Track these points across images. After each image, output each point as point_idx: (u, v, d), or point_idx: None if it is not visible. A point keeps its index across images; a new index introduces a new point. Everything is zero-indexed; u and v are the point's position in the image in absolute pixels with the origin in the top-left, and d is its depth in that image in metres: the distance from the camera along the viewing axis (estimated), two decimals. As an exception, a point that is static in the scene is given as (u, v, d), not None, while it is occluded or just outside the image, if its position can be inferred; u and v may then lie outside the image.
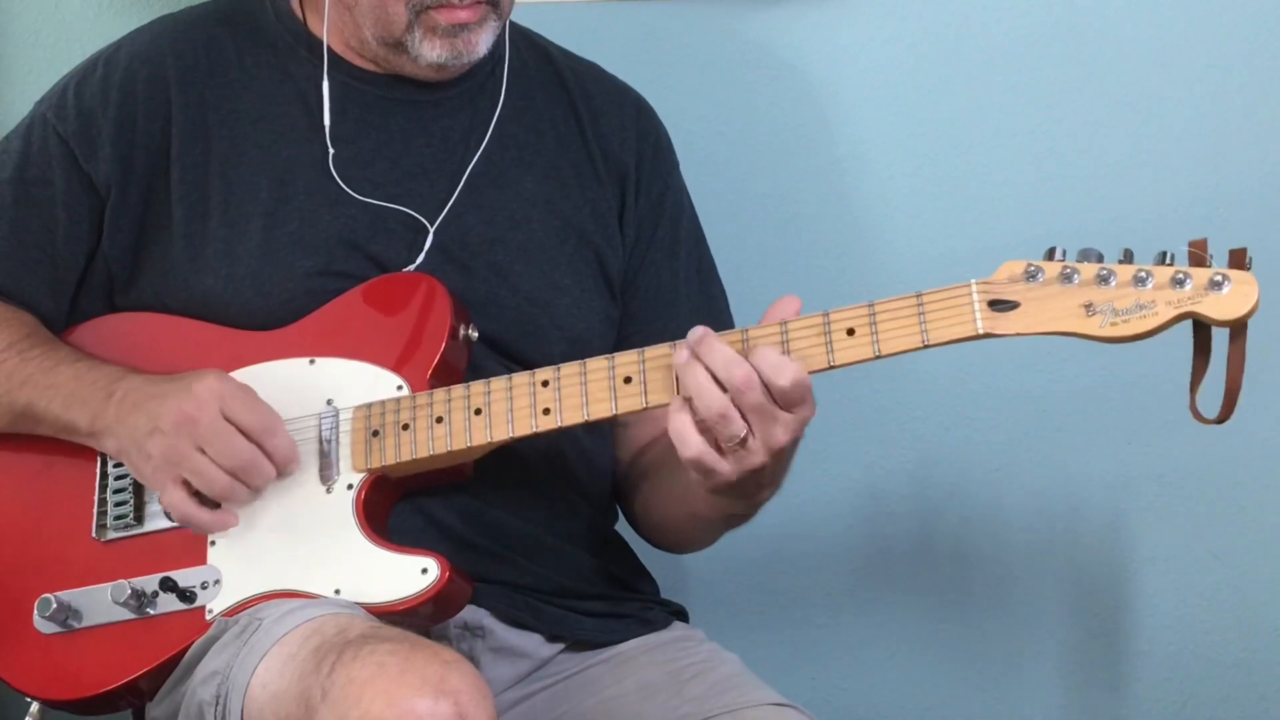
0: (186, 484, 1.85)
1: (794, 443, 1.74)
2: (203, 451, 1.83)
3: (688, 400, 1.72)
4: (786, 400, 1.71)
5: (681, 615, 2.09)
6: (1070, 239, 2.38)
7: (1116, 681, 2.47)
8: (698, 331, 1.73)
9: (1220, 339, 1.67)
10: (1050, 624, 2.47)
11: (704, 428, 1.72)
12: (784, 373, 1.70)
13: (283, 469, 1.86)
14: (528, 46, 2.10)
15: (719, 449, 1.72)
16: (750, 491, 1.78)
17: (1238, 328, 1.65)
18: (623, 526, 2.12)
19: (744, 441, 1.71)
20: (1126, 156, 2.38)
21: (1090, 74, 2.37)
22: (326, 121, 1.98)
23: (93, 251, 2.00)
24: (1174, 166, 2.38)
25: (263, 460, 1.84)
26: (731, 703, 1.89)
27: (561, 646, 1.98)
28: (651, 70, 2.22)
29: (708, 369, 1.71)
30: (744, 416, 1.71)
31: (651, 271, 2.08)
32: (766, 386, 1.70)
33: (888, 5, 2.39)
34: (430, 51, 1.94)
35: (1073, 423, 2.42)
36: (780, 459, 1.75)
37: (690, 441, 1.72)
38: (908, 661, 2.50)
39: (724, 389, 1.70)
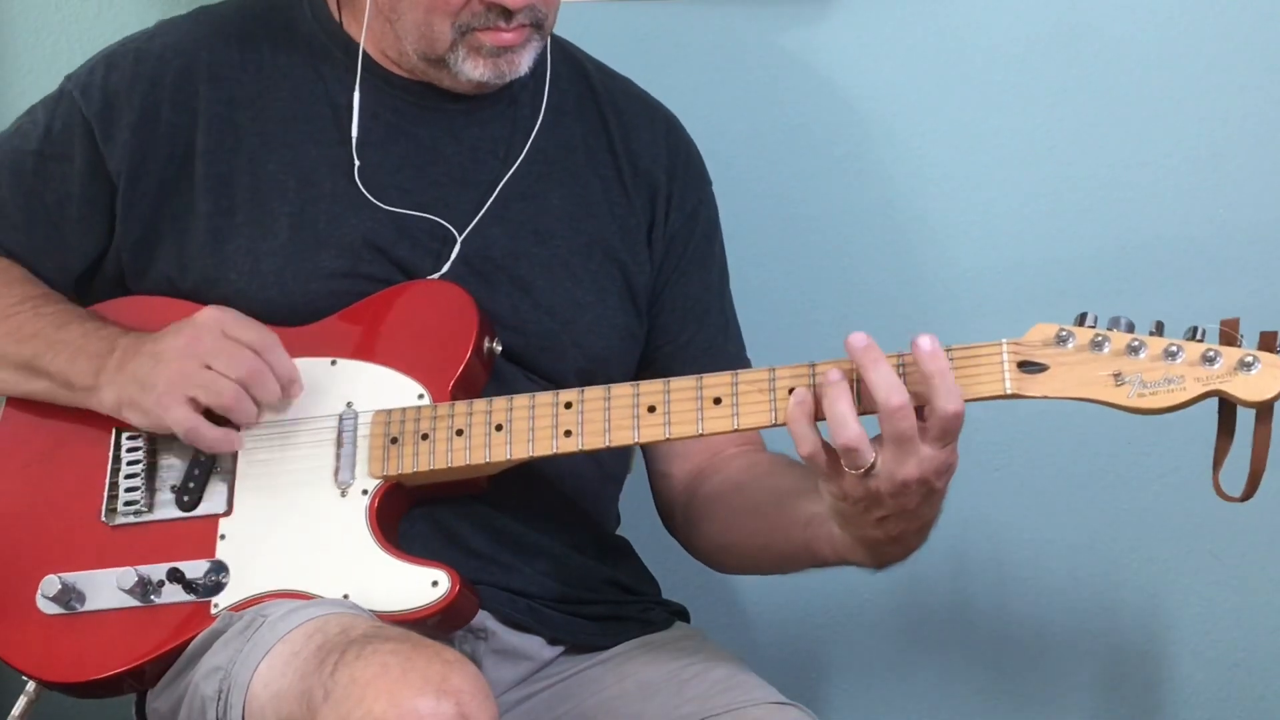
0: (195, 402, 1.85)
1: (922, 492, 1.70)
2: (209, 367, 1.84)
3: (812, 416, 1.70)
4: (940, 429, 1.66)
5: (682, 615, 2.09)
6: (1071, 238, 2.40)
7: (1117, 681, 2.47)
8: (861, 341, 1.69)
9: (1244, 416, 1.67)
10: (1049, 624, 2.46)
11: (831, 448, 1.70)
12: (956, 400, 1.66)
13: (286, 387, 1.87)
14: (563, 60, 2.09)
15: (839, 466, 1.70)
16: (871, 538, 1.75)
17: (1265, 409, 1.66)
18: (625, 529, 2.12)
19: (870, 469, 1.68)
20: (1127, 156, 2.38)
21: (1091, 74, 2.38)
22: (354, 132, 1.97)
23: (103, 235, 1.99)
24: (1174, 166, 2.38)
25: (267, 373, 1.85)
26: (732, 702, 1.89)
27: (563, 648, 1.98)
28: (652, 70, 2.21)
29: (863, 388, 1.68)
30: (879, 440, 1.68)
31: (681, 284, 2.06)
32: (929, 409, 1.66)
33: (889, 5, 2.39)
34: (473, 70, 1.94)
35: (1072, 423, 2.41)
36: (901, 504, 1.70)
37: (806, 440, 1.70)
38: (908, 661, 2.50)
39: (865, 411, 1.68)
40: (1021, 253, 2.41)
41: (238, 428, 1.87)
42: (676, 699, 1.91)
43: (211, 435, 1.86)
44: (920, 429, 1.67)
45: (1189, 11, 2.35)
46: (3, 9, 2.48)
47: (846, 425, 1.68)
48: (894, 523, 1.73)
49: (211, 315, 1.87)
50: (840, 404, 1.68)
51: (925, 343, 1.68)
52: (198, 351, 1.84)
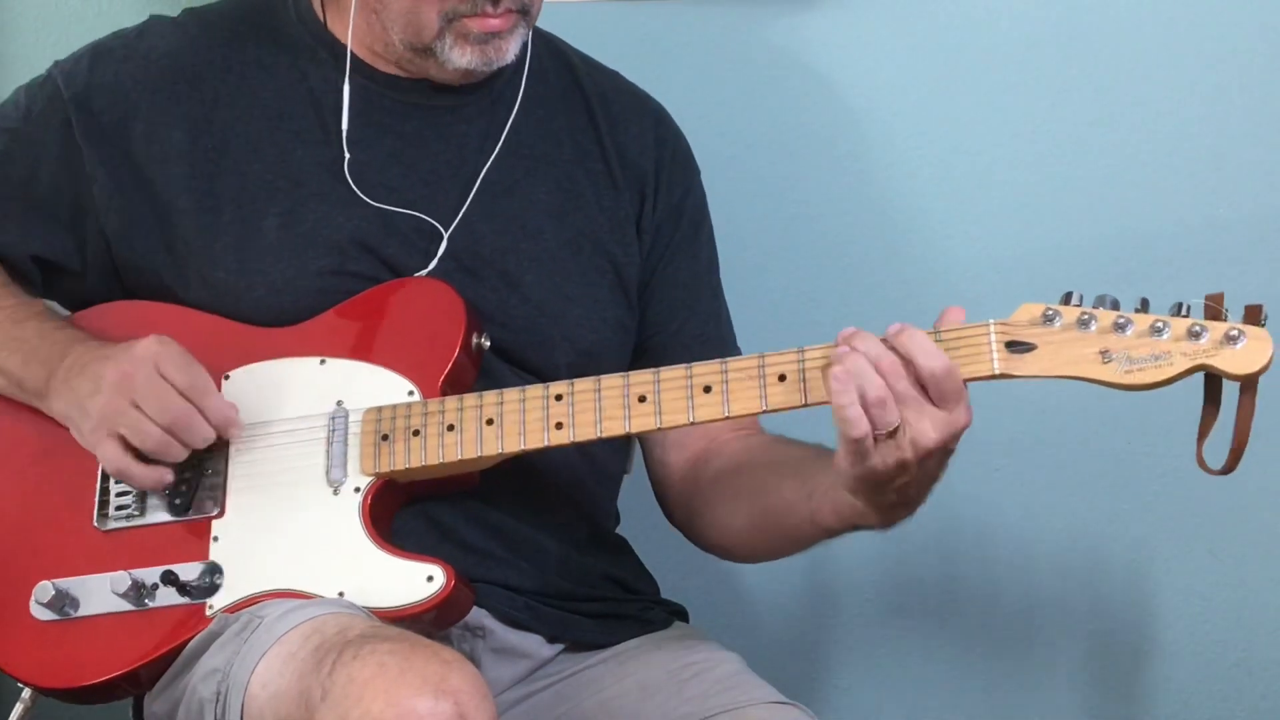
0: (124, 439, 1.85)
1: (941, 457, 1.72)
2: (138, 407, 1.84)
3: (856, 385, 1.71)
4: (938, 389, 1.69)
5: (682, 615, 2.09)
6: (1071, 236, 2.40)
7: (1117, 681, 2.47)
8: (849, 330, 1.73)
9: (1230, 391, 1.68)
10: (1050, 623, 2.47)
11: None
12: (937, 356, 1.69)
13: (222, 431, 1.86)
14: (549, 53, 2.09)
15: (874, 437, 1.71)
16: (888, 503, 1.76)
17: (1250, 382, 1.66)
18: (624, 529, 2.12)
19: (894, 433, 1.70)
20: (1127, 156, 2.38)
21: (1091, 74, 2.38)
22: (344, 126, 1.98)
23: (69, 221, 1.99)
24: (1174, 166, 2.38)
25: (198, 418, 1.85)
26: (732, 701, 1.89)
27: (562, 647, 1.99)
28: (651, 70, 2.22)
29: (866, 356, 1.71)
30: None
31: (669, 272, 2.07)
32: (917, 373, 1.69)
33: (891, 5, 2.39)
34: (460, 58, 1.94)
35: (1073, 422, 2.42)
36: (924, 470, 1.72)
37: (860, 423, 1.70)
38: (908, 660, 2.50)
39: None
40: (1021, 251, 2.41)
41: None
42: (676, 699, 1.91)
43: (139, 474, 1.86)
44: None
45: (1189, 11, 2.35)
46: (4, 6, 2.48)
47: (873, 382, 1.69)
48: (913, 487, 1.75)
49: (149, 349, 1.85)
50: (863, 366, 1.69)
51: (846, 331, 1.72)
52: (128, 388, 1.84)
